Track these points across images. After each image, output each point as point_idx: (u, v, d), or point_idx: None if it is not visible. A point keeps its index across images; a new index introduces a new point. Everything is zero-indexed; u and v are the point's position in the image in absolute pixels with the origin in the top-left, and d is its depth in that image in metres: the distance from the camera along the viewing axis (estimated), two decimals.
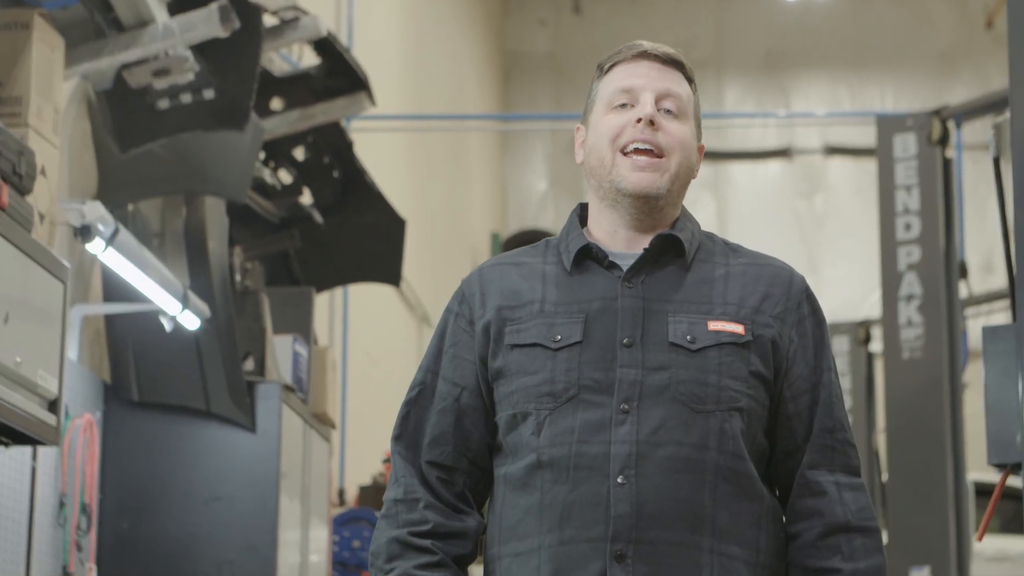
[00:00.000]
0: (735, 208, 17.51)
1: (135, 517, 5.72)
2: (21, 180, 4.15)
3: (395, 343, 11.87)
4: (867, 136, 13.57)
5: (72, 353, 5.38)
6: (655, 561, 2.57)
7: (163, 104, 5.51)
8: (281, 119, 6.58)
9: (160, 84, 5.44)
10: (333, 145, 7.04)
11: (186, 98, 5.50)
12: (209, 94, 5.49)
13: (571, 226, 2.79)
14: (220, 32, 5.09)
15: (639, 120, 2.68)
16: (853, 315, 14.35)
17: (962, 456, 8.67)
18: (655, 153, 2.68)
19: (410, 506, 2.72)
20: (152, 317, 5.60)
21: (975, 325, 10.41)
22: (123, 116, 5.52)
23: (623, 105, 2.71)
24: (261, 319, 6.28)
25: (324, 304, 9.14)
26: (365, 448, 9.94)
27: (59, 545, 5.16)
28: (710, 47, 17.74)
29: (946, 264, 8.81)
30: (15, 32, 4.50)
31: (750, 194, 17.54)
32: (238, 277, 6.29)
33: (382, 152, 10.61)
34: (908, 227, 8.87)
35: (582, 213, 2.81)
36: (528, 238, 16.31)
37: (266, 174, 6.83)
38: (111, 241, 5.00)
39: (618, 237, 2.73)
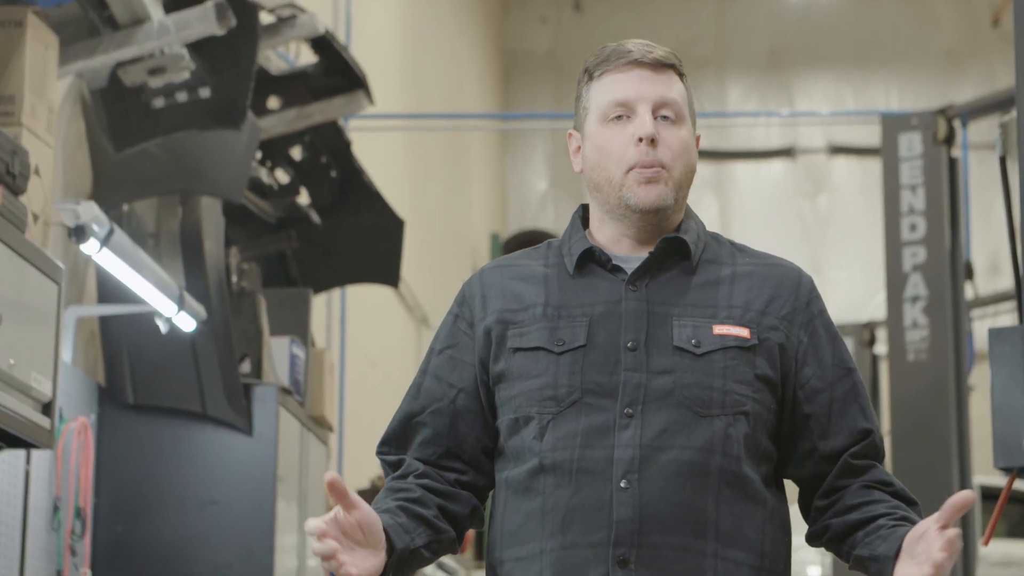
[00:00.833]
0: (738, 208, 17.51)
1: (130, 521, 5.72)
2: (15, 180, 4.15)
3: (394, 345, 11.87)
4: (871, 135, 13.56)
5: (66, 355, 5.38)
6: (658, 566, 2.57)
7: (158, 103, 5.51)
8: (278, 118, 6.58)
9: (155, 83, 5.44)
10: (331, 144, 7.04)
11: (182, 97, 5.50)
12: (205, 93, 5.49)
13: (573, 228, 2.79)
14: (216, 30, 5.09)
15: (640, 140, 2.67)
16: (857, 317, 14.35)
17: (968, 459, 8.66)
18: (657, 166, 2.69)
19: (402, 480, 2.73)
20: (147, 319, 5.59)
21: (981, 327, 10.42)
22: (118, 115, 5.52)
23: (619, 117, 2.70)
24: (258, 321, 6.28)
25: (322, 305, 9.13)
26: (363, 451, 9.93)
27: (53, 550, 5.16)
28: (712, 45, 17.73)
29: (952, 265, 8.81)
30: (8, 30, 4.50)
31: (753, 194, 17.54)
32: (234, 278, 6.29)
33: (380, 152, 10.61)
34: (913, 227, 8.87)
35: (584, 214, 2.81)
36: (528, 239, 16.32)
37: (263, 174, 6.82)
38: (106, 242, 5.00)
39: (622, 244, 2.74)
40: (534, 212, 17.88)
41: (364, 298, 10.18)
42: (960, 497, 2.49)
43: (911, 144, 8.97)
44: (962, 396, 8.71)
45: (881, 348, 11.62)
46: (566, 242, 2.77)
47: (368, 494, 8.49)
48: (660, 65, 2.72)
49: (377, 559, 2.54)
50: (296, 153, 7.06)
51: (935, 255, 8.80)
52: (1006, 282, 14.94)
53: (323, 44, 6.51)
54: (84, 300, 5.67)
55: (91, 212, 4.91)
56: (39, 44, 4.57)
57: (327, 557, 2.46)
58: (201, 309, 5.70)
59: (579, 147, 2.78)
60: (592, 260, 2.73)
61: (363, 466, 9.82)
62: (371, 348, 10.81)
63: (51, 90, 4.64)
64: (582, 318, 2.68)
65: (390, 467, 2.80)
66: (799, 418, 2.71)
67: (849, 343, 11.87)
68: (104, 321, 5.76)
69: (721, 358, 2.65)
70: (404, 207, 8.51)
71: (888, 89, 17.65)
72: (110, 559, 5.66)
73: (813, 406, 2.71)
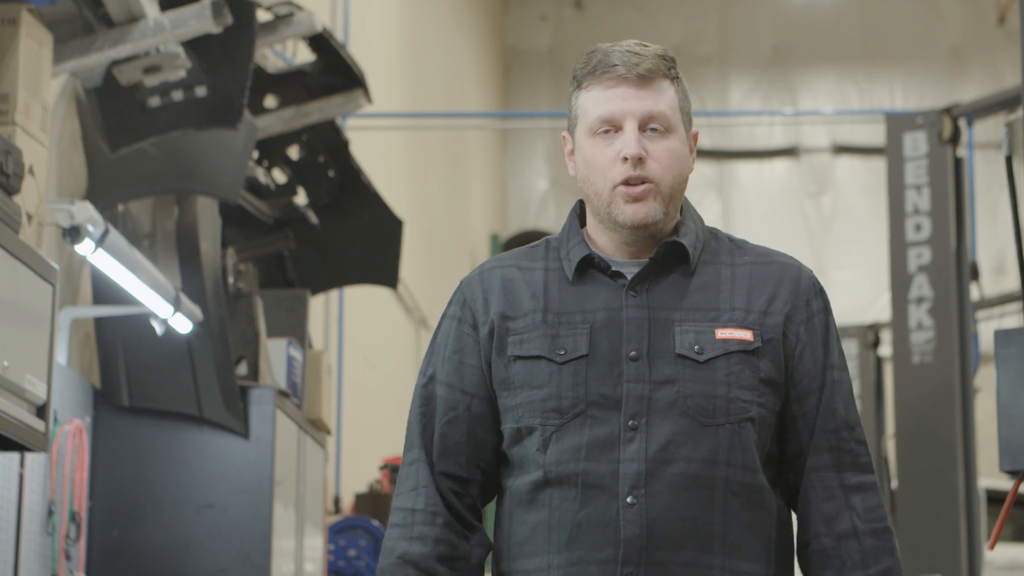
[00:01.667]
0: (741, 208, 17.50)
1: (125, 525, 5.72)
2: (8, 180, 4.15)
3: (392, 347, 11.86)
4: (876, 134, 13.57)
5: (61, 357, 5.38)
6: None
7: (154, 102, 5.51)
8: (275, 117, 6.58)
9: (151, 81, 5.44)
10: (328, 144, 7.04)
11: (177, 96, 5.49)
12: (201, 91, 5.49)
13: (571, 228, 2.77)
14: (212, 28, 5.09)
15: (625, 159, 2.66)
16: (862, 318, 14.35)
17: (973, 463, 8.66)
18: (645, 182, 2.67)
19: (429, 520, 2.70)
20: (143, 320, 5.59)
21: (987, 328, 10.42)
22: (113, 114, 5.52)
23: (606, 131, 2.69)
24: (255, 322, 6.27)
25: (319, 307, 9.13)
26: (361, 455, 9.94)
27: (48, 554, 5.16)
28: (715, 43, 17.73)
29: (957, 266, 8.80)
30: (2, 28, 4.50)
31: (756, 194, 17.53)
32: (231, 279, 6.28)
33: (379, 151, 10.61)
34: (918, 228, 8.87)
35: (581, 212, 2.81)
36: (528, 239, 16.31)
37: (260, 173, 6.82)
38: (101, 242, 4.99)
39: (620, 250, 2.73)
40: (534, 212, 17.87)
41: (362, 299, 10.18)
42: None
43: (916, 143, 8.97)
44: (967, 398, 8.71)
45: (886, 350, 11.61)
46: (564, 243, 2.76)
47: (367, 498, 8.49)
48: (646, 78, 2.69)
49: None
50: (293, 153, 7.05)
51: (940, 256, 8.79)
52: (1012, 283, 14.94)
53: (321, 42, 6.51)
54: (79, 301, 5.67)
55: (86, 212, 4.91)
56: (33, 42, 4.57)
57: None
58: (197, 311, 5.70)
59: (572, 151, 2.77)
60: (592, 266, 2.72)
61: (361, 470, 9.82)
62: (369, 350, 10.81)
63: (45, 89, 4.64)
64: (583, 326, 2.67)
65: (398, 525, 2.75)
66: (789, 418, 2.70)
67: (853, 345, 11.86)
68: (99, 323, 5.76)
69: (724, 364, 2.64)
70: (403, 207, 8.52)
71: (893, 88, 17.64)
72: (105, 563, 5.66)
73: (803, 406, 2.70)
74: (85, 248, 4.99)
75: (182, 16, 5.07)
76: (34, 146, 4.50)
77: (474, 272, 2.80)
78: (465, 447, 2.72)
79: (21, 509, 4.93)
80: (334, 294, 9.48)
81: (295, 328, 6.79)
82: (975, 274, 9.03)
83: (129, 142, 5.54)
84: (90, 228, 4.94)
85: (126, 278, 5.26)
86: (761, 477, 2.65)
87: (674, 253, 2.72)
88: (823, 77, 17.82)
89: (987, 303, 10.67)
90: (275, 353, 6.40)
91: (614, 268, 2.70)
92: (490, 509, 2.77)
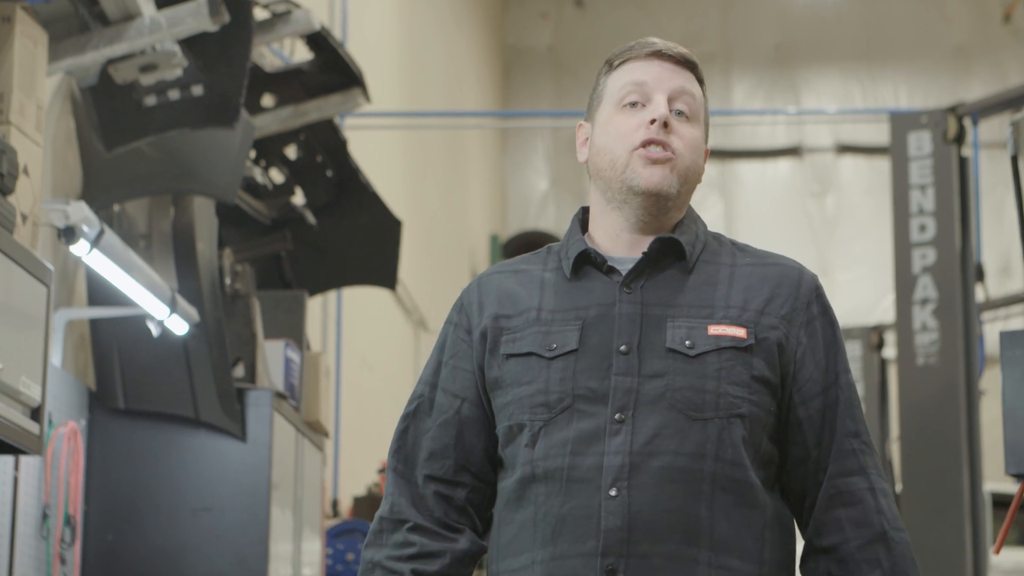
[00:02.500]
0: (743, 208, 17.51)
1: (121, 529, 5.72)
2: (3, 180, 4.15)
3: (391, 348, 11.87)
4: (880, 134, 13.57)
5: (56, 359, 5.38)
6: (648, 575, 2.57)
7: (150, 101, 5.51)
8: (272, 116, 6.58)
9: (147, 80, 5.44)
10: (326, 143, 7.04)
11: (174, 94, 5.49)
12: (198, 90, 5.49)
13: (572, 231, 2.79)
14: (209, 26, 5.09)
15: (652, 121, 2.68)
16: (866, 319, 14.35)
17: (979, 466, 8.66)
18: (666, 149, 2.69)
19: (395, 526, 2.74)
20: (139, 322, 5.59)
21: (992, 330, 10.43)
22: (108, 113, 5.52)
23: (634, 104, 2.71)
24: (252, 324, 6.27)
25: (317, 308, 9.13)
26: (359, 457, 9.94)
27: (42, 558, 5.16)
28: (717, 41, 17.74)
29: (962, 267, 8.80)
30: None
31: (759, 194, 17.54)
32: (228, 280, 6.28)
33: (377, 151, 10.61)
34: (923, 228, 8.87)
35: (583, 217, 2.81)
36: (528, 240, 16.33)
37: (257, 173, 6.82)
38: (96, 243, 4.99)
39: (620, 241, 2.73)
40: (535, 212, 17.88)
41: (361, 300, 10.18)
42: None
43: (920, 143, 8.97)
44: (973, 401, 8.71)
45: (890, 352, 11.62)
46: (564, 245, 2.78)
47: (365, 501, 8.49)
48: (683, 62, 2.75)
49: None
50: (291, 152, 7.05)
51: (945, 256, 8.79)
52: (1018, 284, 14.93)
53: (319, 40, 6.51)
54: (74, 303, 5.67)
55: (81, 212, 4.91)
56: (28, 40, 4.57)
57: None
58: (194, 312, 5.70)
59: (587, 138, 2.78)
60: (588, 262, 2.73)
61: (360, 473, 9.82)
62: (368, 351, 10.81)
63: (40, 87, 4.64)
64: (575, 322, 2.68)
65: (371, 532, 2.79)
66: (793, 422, 2.70)
67: (857, 346, 11.86)
68: (94, 324, 5.76)
69: (715, 359, 2.64)
70: (401, 207, 8.52)
71: (897, 86, 17.65)
72: (101, 567, 5.66)
73: (807, 410, 2.70)
74: (80, 249, 4.99)
75: (178, 14, 5.07)
76: (29, 145, 4.50)
77: (474, 280, 2.83)
78: (453, 450, 2.74)
79: (15, 513, 4.93)
80: (332, 295, 9.48)
81: (293, 329, 6.79)
82: (980, 275, 9.03)
83: (125, 141, 5.53)
84: (85, 228, 4.94)
85: (121, 279, 5.26)
86: (751, 474, 2.64)
87: (670, 250, 2.72)
88: (827, 76, 17.83)
89: (992, 304, 10.66)
90: (272, 355, 6.40)
91: (609, 263, 2.71)
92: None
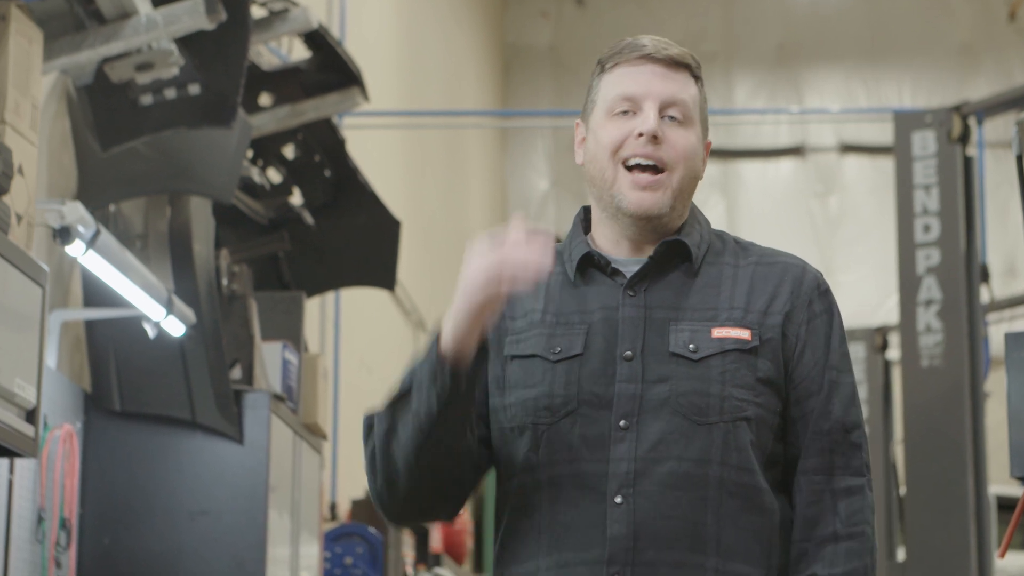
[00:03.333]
0: (745, 209, 17.50)
1: (117, 532, 5.71)
2: None
3: (389, 350, 11.86)
4: (884, 133, 13.55)
5: (51, 361, 5.38)
6: None
7: (146, 100, 5.51)
8: (270, 116, 6.58)
9: (143, 79, 5.44)
10: (324, 143, 7.04)
11: (170, 93, 5.49)
12: (194, 89, 5.49)
13: (574, 232, 2.78)
14: (206, 24, 5.09)
15: (640, 134, 2.66)
16: (869, 321, 14.34)
17: (984, 469, 8.66)
18: (657, 169, 2.67)
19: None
20: (135, 323, 5.59)
21: (997, 331, 10.40)
22: (104, 112, 5.52)
23: (624, 112, 2.70)
24: (249, 325, 6.27)
25: (315, 309, 9.13)
26: (358, 460, 9.90)
27: (37, 562, 5.16)
28: (719, 40, 17.73)
29: (967, 267, 8.80)
30: None
31: (761, 194, 17.53)
32: (225, 281, 6.28)
33: (376, 150, 10.61)
34: (927, 229, 8.86)
35: (585, 217, 2.81)
36: None
37: (254, 173, 6.82)
38: (92, 243, 4.99)
39: (622, 245, 2.73)
40: (535, 212, 17.87)
41: (359, 301, 10.18)
42: None
43: (925, 142, 8.97)
44: (977, 403, 8.71)
45: (894, 353, 11.61)
46: (567, 247, 2.77)
47: (363, 505, 8.49)
48: (674, 63, 2.72)
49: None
50: (289, 152, 7.05)
51: (950, 257, 8.79)
52: (1023, 285, 14.94)
53: (317, 39, 6.51)
54: (69, 304, 5.66)
55: (76, 213, 4.91)
56: (23, 39, 4.57)
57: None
58: (190, 313, 5.70)
59: (584, 139, 2.77)
60: (592, 265, 2.73)
61: (358, 476, 9.80)
62: (366, 353, 10.80)
63: (35, 86, 4.64)
64: (580, 325, 2.68)
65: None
66: (789, 421, 2.70)
67: (860, 348, 11.86)
68: (90, 325, 5.75)
69: (719, 363, 2.64)
70: (400, 207, 8.51)
71: (901, 85, 17.64)
72: (96, 571, 5.66)
73: (801, 409, 2.70)
74: (75, 249, 4.99)
75: (175, 12, 5.07)
76: (24, 145, 4.50)
77: None
78: None
79: (10, 516, 4.93)
80: (330, 296, 9.48)
81: (290, 331, 6.79)
82: (985, 276, 9.03)
83: (121, 141, 5.53)
84: (81, 229, 4.94)
85: (117, 280, 5.26)
86: (759, 478, 2.64)
87: (676, 252, 2.72)
88: (830, 75, 17.82)
89: (997, 305, 10.66)
90: (270, 356, 6.40)
91: (613, 266, 2.71)
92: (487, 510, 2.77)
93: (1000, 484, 11.63)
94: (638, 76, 2.71)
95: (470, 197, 15.86)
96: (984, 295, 9.13)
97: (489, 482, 2.81)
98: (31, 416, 4.20)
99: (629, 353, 2.64)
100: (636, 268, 2.71)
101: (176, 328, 5.63)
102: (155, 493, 5.76)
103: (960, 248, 8.78)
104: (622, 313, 2.67)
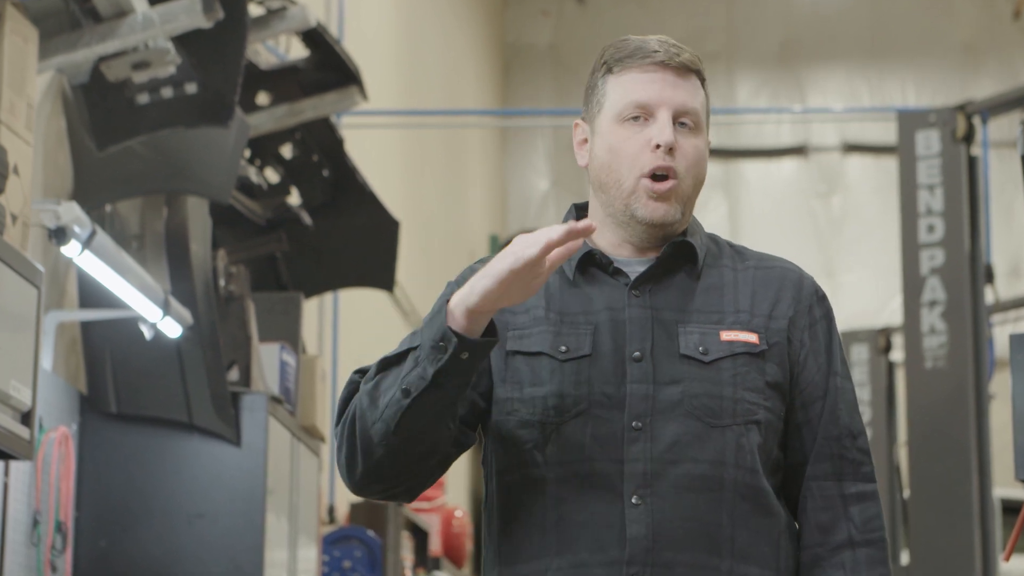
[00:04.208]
0: (747, 209, 17.50)
1: (113, 535, 5.71)
2: None
3: (388, 351, 11.85)
4: (887, 133, 13.57)
5: (46, 362, 5.38)
6: None
7: (143, 99, 5.51)
8: (268, 115, 6.58)
9: (139, 78, 5.44)
10: (322, 142, 7.04)
11: (167, 92, 5.49)
12: (191, 88, 5.49)
13: None
14: (203, 23, 5.08)
15: (657, 146, 2.67)
16: (873, 322, 14.33)
17: (988, 471, 8.66)
18: (668, 177, 2.68)
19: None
20: (131, 324, 5.59)
21: (1002, 332, 10.41)
22: (100, 112, 5.52)
23: (635, 118, 2.69)
24: (246, 326, 6.27)
25: (313, 310, 9.13)
26: None
27: (33, 565, 5.16)
28: (721, 39, 17.73)
29: (971, 268, 8.81)
30: None
31: (763, 194, 17.54)
32: (222, 282, 6.28)
33: (374, 150, 10.61)
34: (931, 229, 8.87)
35: (578, 215, 2.81)
36: None
37: (251, 173, 6.82)
38: (87, 244, 4.99)
39: (624, 247, 2.74)
40: (535, 212, 17.88)
41: (357, 303, 10.18)
42: None
43: (929, 142, 8.97)
44: (982, 405, 8.71)
45: (897, 355, 11.61)
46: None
47: (362, 508, 8.48)
48: (685, 70, 2.72)
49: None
50: (286, 151, 7.05)
51: (954, 258, 8.80)
52: None
53: (315, 37, 6.51)
54: (65, 305, 5.66)
55: (72, 213, 4.91)
56: (18, 37, 4.57)
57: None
58: (187, 314, 5.69)
59: (585, 139, 2.77)
60: (593, 264, 2.73)
61: None
62: (365, 355, 10.79)
63: (30, 85, 4.64)
64: (586, 326, 2.68)
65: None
66: (792, 427, 2.71)
67: (864, 349, 11.86)
68: (86, 327, 5.75)
69: (730, 365, 2.65)
70: (399, 207, 8.51)
71: (904, 84, 17.64)
72: (92, 575, 5.66)
73: (807, 414, 2.71)
74: (71, 250, 4.99)
75: (172, 11, 5.07)
76: (19, 144, 4.50)
77: (474, 264, 2.80)
78: None
79: (5, 519, 4.93)
80: (328, 297, 9.48)
81: (288, 332, 6.78)
82: (990, 276, 9.03)
83: (117, 140, 5.53)
84: (76, 229, 4.93)
85: (113, 281, 5.25)
86: (764, 481, 2.65)
87: (681, 254, 2.72)
88: (832, 73, 17.82)
89: (1002, 306, 10.66)
90: (267, 358, 6.39)
91: (615, 265, 2.71)
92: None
93: (1005, 487, 11.64)
94: (650, 84, 2.70)
95: (470, 197, 15.86)
96: (988, 296, 9.14)
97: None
98: (26, 418, 4.20)
99: (638, 354, 2.64)
100: (638, 268, 2.71)
101: (173, 329, 5.63)
102: (152, 496, 5.76)
103: (964, 248, 8.78)
104: (628, 314, 2.67)
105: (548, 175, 17.93)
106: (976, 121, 9.04)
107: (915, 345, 8.81)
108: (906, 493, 10.35)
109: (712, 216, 16.86)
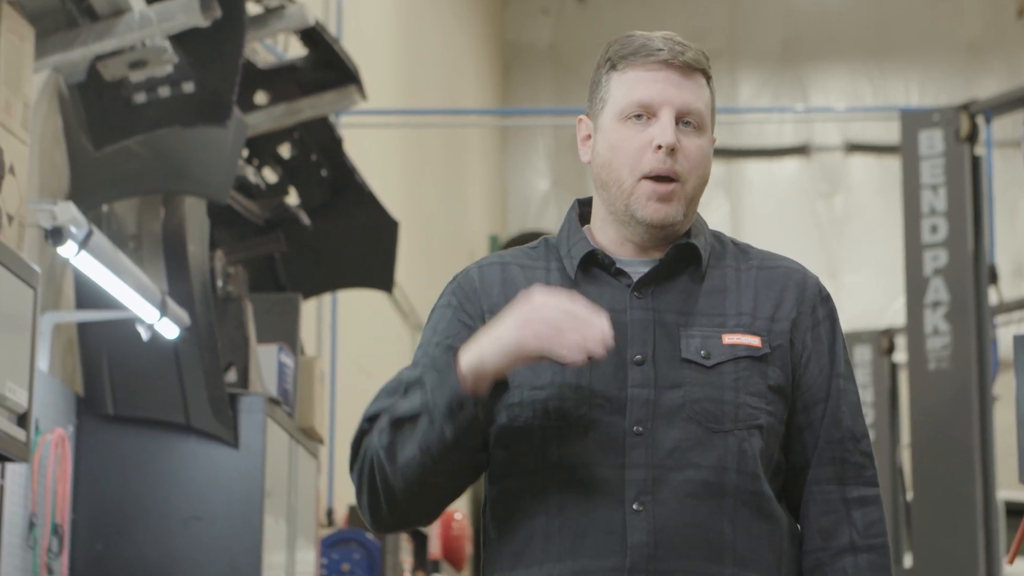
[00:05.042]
0: (750, 209, 17.51)
1: (110, 538, 5.71)
2: None
3: (387, 353, 11.86)
4: (891, 132, 13.56)
5: (43, 364, 5.38)
6: None
7: (140, 98, 5.51)
8: (266, 114, 6.58)
9: (137, 77, 5.44)
10: (321, 142, 7.04)
11: (164, 92, 5.49)
12: (189, 87, 5.49)
13: (571, 228, 2.77)
14: (201, 21, 5.08)
15: (659, 147, 2.66)
16: (876, 323, 14.34)
17: (992, 473, 8.66)
18: (671, 179, 2.67)
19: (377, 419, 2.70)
20: (128, 325, 5.59)
21: (1006, 333, 10.42)
22: (97, 111, 5.52)
23: (638, 117, 2.68)
24: (244, 327, 6.27)
25: (311, 311, 9.13)
26: None
27: (29, 568, 5.16)
28: (723, 38, 17.74)
29: (975, 268, 8.81)
30: None
31: (766, 194, 17.54)
32: (220, 282, 6.28)
33: (373, 149, 10.61)
34: (934, 229, 8.87)
35: (581, 211, 2.80)
36: (529, 240, 16.32)
37: (249, 173, 6.82)
38: (84, 244, 4.99)
39: (626, 247, 2.73)
40: (535, 212, 17.88)
41: (356, 303, 10.18)
42: None
43: (932, 141, 8.97)
44: (986, 406, 8.71)
45: (900, 356, 11.62)
46: (564, 242, 2.75)
47: None
48: (689, 69, 2.69)
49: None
50: (285, 151, 7.05)
51: (957, 258, 8.80)
52: None
53: (313, 36, 6.51)
54: (61, 306, 5.66)
55: (69, 213, 4.91)
56: (14, 36, 4.57)
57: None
58: (184, 315, 5.69)
59: (589, 136, 2.75)
60: (595, 264, 2.72)
61: None
62: (364, 356, 10.80)
63: (26, 84, 4.64)
64: None
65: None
66: (794, 429, 2.70)
67: (867, 351, 11.86)
68: (82, 328, 5.75)
69: (732, 369, 2.64)
70: (398, 208, 8.51)
71: (908, 83, 17.65)
72: None
73: (808, 417, 2.70)
74: (68, 250, 4.99)
75: (169, 9, 5.07)
76: (15, 144, 4.50)
77: (472, 265, 2.79)
78: None
79: (1, 521, 4.92)
80: (327, 298, 9.48)
81: (286, 333, 6.78)
82: (993, 277, 9.03)
83: (114, 140, 5.53)
84: (73, 229, 4.94)
85: (110, 281, 5.25)
86: (766, 486, 2.65)
87: (684, 255, 2.71)
88: (835, 73, 17.83)
89: (1006, 307, 10.67)
90: (265, 359, 6.39)
91: (618, 266, 2.70)
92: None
93: (1008, 489, 11.64)
94: (653, 83, 2.68)
95: (469, 197, 15.87)
96: (992, 297, 9.14)
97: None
98: (22, 420, 4.20)
99: (639, 357, 2.63)
100: (641, 269, 2.70)
101: (170, 330, 5.63)
102: (149, 498, 5.76)
103: (968, 249, 8.79)
104: (630, 316, 2.66)
105: (548, 175, 17.93)
106: (980, 121, 9.05)
107: (918, 346, 8.81)
108: (909, 495, 10.34)
109: (714, 216, 16.85)
